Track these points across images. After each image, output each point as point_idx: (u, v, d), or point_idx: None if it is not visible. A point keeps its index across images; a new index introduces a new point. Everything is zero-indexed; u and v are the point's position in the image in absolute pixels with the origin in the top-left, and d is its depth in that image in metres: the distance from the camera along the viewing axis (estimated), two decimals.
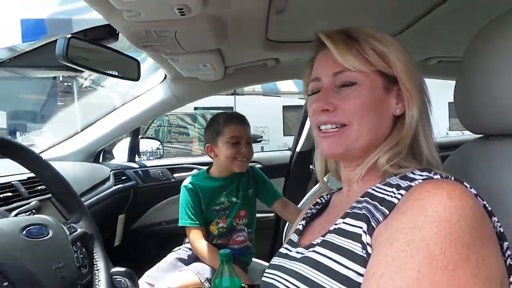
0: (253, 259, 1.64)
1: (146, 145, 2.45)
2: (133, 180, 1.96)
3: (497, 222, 0.55)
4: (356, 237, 0.56)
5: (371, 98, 0.65)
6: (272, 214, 2.16)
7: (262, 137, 7.07)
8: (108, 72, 1.18)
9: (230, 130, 1.47)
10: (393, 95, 0.67)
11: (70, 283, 0.67)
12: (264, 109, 10.61)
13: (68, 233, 0.76)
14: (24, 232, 0.64)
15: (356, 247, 0.55)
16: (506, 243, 0.54)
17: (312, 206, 0.83)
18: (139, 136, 2.26)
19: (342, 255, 0.56)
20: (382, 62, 0.65)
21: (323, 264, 0.57)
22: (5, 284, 0.55)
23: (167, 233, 2.03)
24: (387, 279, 0.47)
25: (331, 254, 0.58)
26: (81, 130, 1.84)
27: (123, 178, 1.88)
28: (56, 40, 0.99)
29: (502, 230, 0.55)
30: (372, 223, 0.56)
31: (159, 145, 2.53)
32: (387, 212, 0.55)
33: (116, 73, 1.21)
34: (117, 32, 1.10)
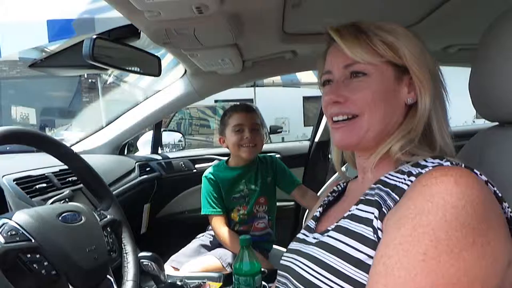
0: (274, 246, 1.69)
1: (168, 137, 2.52)
2: (156, 171, 2.03)
3: (508, 207, 0.56)
4: (368, 222, 0.59)
5: (381, 89, 0.67)
6: (292, 203, 2.20)
7: (282, 128, 7.05)
8: (130, 69, 1.23)
9: (233, 119, 1.55)
10: (404, 84, 0.68)
11: (101, 264, 0.74)
12: (284, 100, 10.58)
13: (98, 219, 0.83)
14: (60, 218, 0.70)
15: (367, 232, 0.58)
16: None
17: (329, 194, 0.86)
18: (162, 129, 2.33)
19: (355, 239, 0.59)
20: (391, 52, 0.66)
21: (337, 247, 0.60)
22: (45, 263, 0.62)
23: (189, 221, 2.10)
24: (394, 261, 0.49)
25: (344, 238, 0.60)
26: (107, 125, 1.92)
27: (147, 169, 1.96)
28: (82, 41, 1.06)
29: None
30: (383, 209, 0.58)
31: (181, 137, 2.60)
32: (398, 199, 0.57)
33: (138, 70, 1.26)
34: (139, 31, 1.15)
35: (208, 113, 6.98)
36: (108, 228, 0.85)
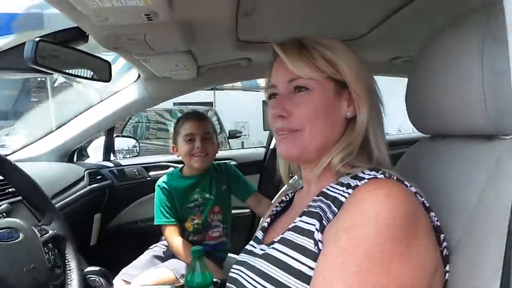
0: (229, 254, 1.68)
1: (122, 143, 2.44)
2: (108, 180, 1.96)
3: (435, 216, 0.60)
4: (309, 234, 0.61)
5: (323, 103, 0.69)
6: (248, 210, 2.20)
7: (241, 132, 7.08)
8: (79, 74, 1.18)
9: (184, 128, 1.53)
10: (344, 99, 0.71)
11: (41, 284, 0.70)
12: (244, 104, 10.61)
13: (39, 235, 0.78)
14: None
15: (309, 244, 0.60)
16: (442, 235, 0.60)
17: (278, 204, 0.88)
18: (114, 135, 2.25)
19: (297, 251, 0.61)
20: (331, 68, 0.69)
21: (280, 260, 0.62)
22: None
23: (143, 231, 2.03)
24: (332, 274, 0.52)
25: (287, 251, 0.62)
26: (56, 129, 1.83)
27: (98, 177, 1.88)
28: (25, 42, 1.00)
29: (439, 224, 0.60)
30: (324, 221, 0.60)
31: (135, 143, 2.53)
32: (337, 211, 0.60)
33: (87, 75, 1.21)
34: (87, 34, 1.10)
35: (166, 116, 6.83)
36: (49, 244, 0.80)
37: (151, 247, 1.68)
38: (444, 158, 0.74)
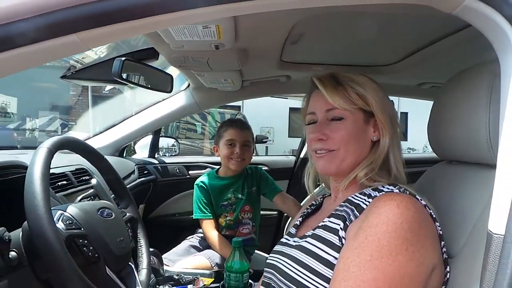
0: (256, 251, 1.86)
1: (162, 142, 2.67)
2: (153, 175, 2.19)
3: (439, 226, 0.75)
4: (335, 232, 0.77)
5: (354, 130, 0.86)
6: (275, 212, 2.38)
7: (267, 137, 7.26)
8: (146, 85, 1.40)
9: (228, 133, 1.71)
10: (371, 125, 0.88)
11: (127, 252, 0.90)
12: (271, 110, 10.70)
13: (121, 216, 0.99)
14: (99, 213, 0.86)
15: (335, 239, 0.77)
16: (443, 242, 0.75)
17: (308, 207, 1.05)
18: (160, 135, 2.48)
19: (325, 244, 0.77)
20: (362, 101, 0.86)
21: (311, 250, 0.79)
22: (91, 248, 0.78)
23: (179, 223, 2.25)
24: (350, 261, 0.68)
25: (317, 244, 0.79)
26: (111, 127, 2.07)
27: (145, 172, 2.12)
28: (111, 59, 1.23)
29: (441, 233, 0.75)
30: (347, 222, 0.77)
31: (175, 142, 2.75)
32: (358, 215, 0.76)
33: (152, 86, 1.43)
34: (158, 53, 1.32)
35: (196, 117, 7.06)
36: (128, 224, 1.01)
37: (188, 237, 1.88)
38: (457, 180, 0.87)
